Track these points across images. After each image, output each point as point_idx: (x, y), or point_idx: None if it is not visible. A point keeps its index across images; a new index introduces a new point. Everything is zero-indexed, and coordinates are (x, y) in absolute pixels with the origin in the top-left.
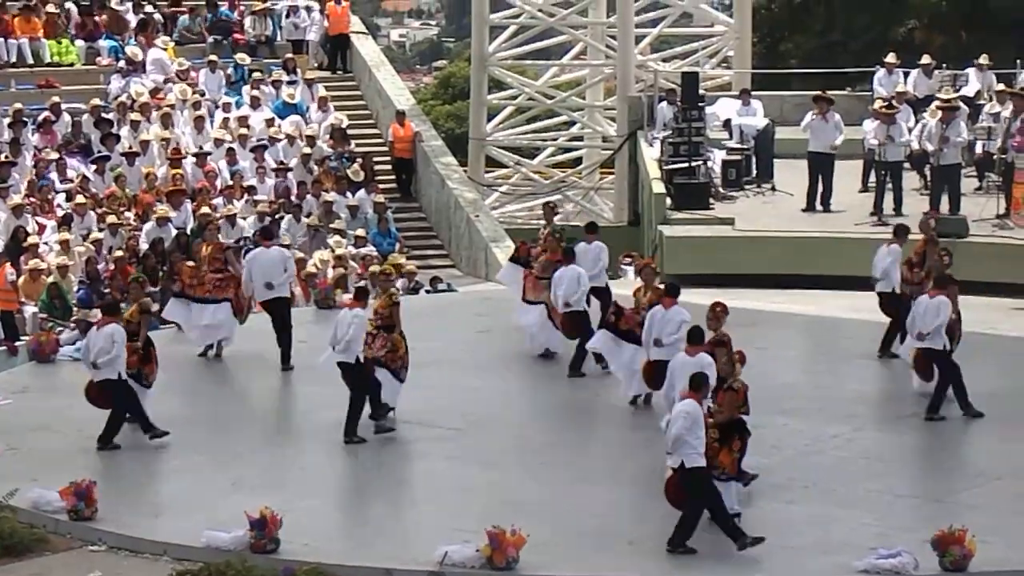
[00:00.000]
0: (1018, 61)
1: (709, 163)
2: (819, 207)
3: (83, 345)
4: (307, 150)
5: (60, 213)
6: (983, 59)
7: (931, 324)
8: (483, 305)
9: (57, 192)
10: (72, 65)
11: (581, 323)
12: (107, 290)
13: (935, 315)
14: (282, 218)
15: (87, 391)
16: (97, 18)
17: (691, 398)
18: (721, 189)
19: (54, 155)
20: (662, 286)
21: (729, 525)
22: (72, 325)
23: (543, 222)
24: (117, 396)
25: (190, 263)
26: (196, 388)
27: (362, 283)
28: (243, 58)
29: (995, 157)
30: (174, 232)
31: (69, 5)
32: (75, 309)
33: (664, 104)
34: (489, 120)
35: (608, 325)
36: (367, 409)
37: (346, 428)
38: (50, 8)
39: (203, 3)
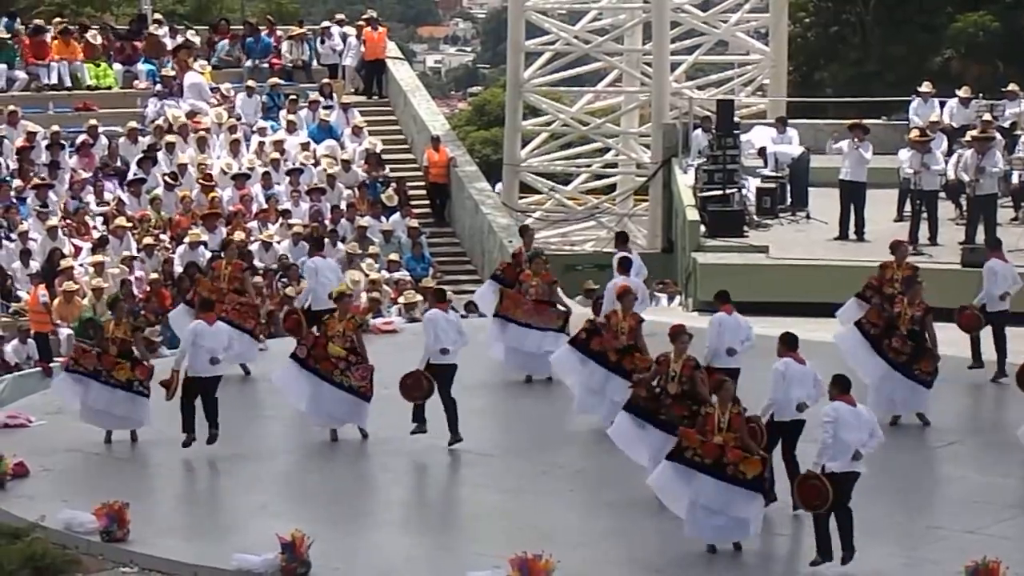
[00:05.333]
0: None
1: (743, 191)
2: (852, 236)
3: (191, 339)
4: (342, 174)
5: (96, 235)
6: (1012, 86)
7: None
8: None
9: (94, 215)
10: (110, 88)
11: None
12: (142, 312)
13: None
14: (322, 239)
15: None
16: (136, 42)
17: (847, 400)
18: (755, 217)
19: (88, 176)
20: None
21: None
22: None
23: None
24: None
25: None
26: (225, 411)
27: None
28: (276, 82)
29: None
30: (208, 255)
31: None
32: None
33: (699, 131)
34: (524, 146)
35: (577, 342)
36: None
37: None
38: (91, 36)
39: (240, 28)
